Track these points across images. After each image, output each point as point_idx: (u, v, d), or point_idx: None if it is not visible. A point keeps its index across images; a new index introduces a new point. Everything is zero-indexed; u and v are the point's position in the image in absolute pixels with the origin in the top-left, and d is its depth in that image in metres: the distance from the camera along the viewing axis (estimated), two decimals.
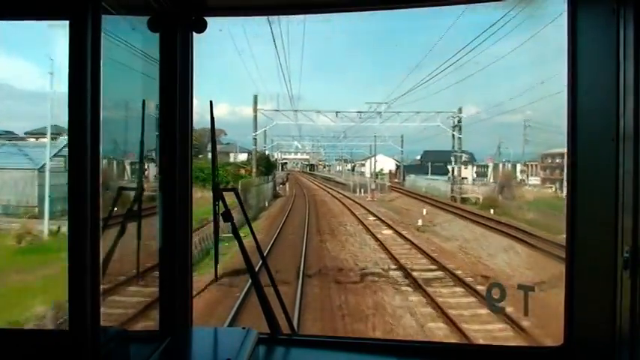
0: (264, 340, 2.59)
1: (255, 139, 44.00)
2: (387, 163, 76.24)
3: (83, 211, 1.66)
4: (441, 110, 42.78)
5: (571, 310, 2.28)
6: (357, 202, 40.54)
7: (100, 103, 1.70)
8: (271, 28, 26.58)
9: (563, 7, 2.24)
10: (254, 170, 42.11)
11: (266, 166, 52.96)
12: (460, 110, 43.18)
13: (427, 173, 62.06)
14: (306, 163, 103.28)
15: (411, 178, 61.82)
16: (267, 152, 60.63)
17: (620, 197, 1.99)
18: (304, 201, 43.47)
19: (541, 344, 8.41)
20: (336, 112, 43.89)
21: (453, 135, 44.15)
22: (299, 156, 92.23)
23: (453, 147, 44.78)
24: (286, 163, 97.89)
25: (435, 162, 64.13)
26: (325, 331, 11.10)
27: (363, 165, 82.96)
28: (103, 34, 1.73)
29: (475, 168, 63.71)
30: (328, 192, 55.05)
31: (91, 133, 1.67)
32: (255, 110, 43.32)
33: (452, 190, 43.22)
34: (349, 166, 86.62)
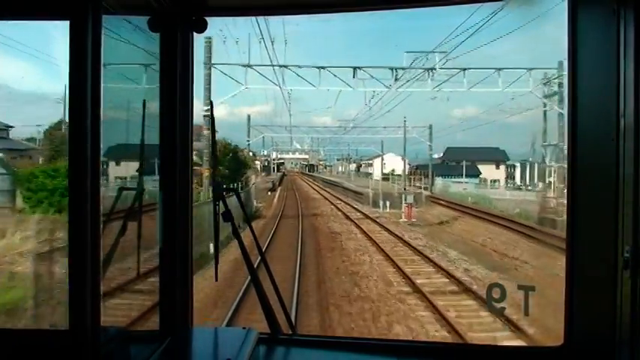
0: (264, 340, 2.60)
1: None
2: (398, 163, 62.55)
3: (83, 211, 1.66)
4: (532, 67, 26.51)
5: (571, 310, 2.28)
6: (394, 234, 22.52)
7: (101, 103, 1.70)
8: (259, 27, 22.86)
9: (564, 8, 2.24)
10: (205, 173, 23.83)
11: (233, 166, 34.57)
12: (561, 65, 23.64)
13: (449, 175, 49.41)
14: (305, 163, 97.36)
15: (439, 183, 46.17)
16: (248, 147, 47.75)
17: (620, 197, 1.99)
18: (294, 239, 21.75)
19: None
20: (354, 69, 27.55)
21: (545, 110, 26.97)
22: (297, 155, 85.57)
23: (545, 131, 27.31)
24: (283, 163, 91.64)
25: (461, 161, 53.96)
26: None
27: (370, 165, 72.80)
28: (103, 34, 1.73)
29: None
30: (335, 206, 36.51)
31: (91, 133, 1.67)
32: (209, 65, 25.38)
33: (543, 206, 24.78)
34: (352, 167, 76.87)
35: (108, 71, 1.79)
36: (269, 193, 47.99)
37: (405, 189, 40.10)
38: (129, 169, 2.91)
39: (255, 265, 2.73)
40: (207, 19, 2.57)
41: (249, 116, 46.49)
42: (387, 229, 24.85)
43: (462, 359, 2.69)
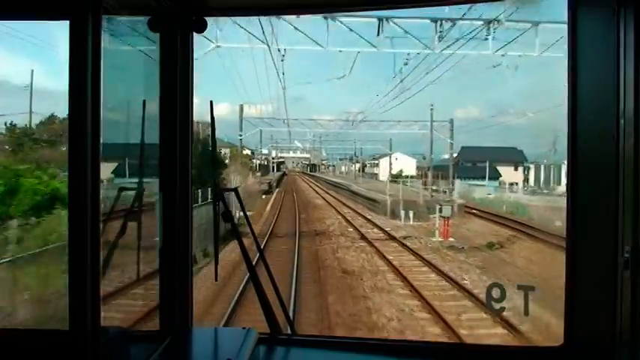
0: (264, 340, 2.60)
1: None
2: (407, 163, 58.99)
3: (83, 211, 1.66)
4: None
5: (571, 310, 2.28)
6: (443, 274, 15.29)
7: (100, 103, 1.70)
8: (262, 27, 18.50)
9: (564, 8, 2.25)
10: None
11: (200, 164, 10.61)
12: None
13: (465, 177, 42.29)
14: (307, 162, 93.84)
15: (459, 187, 38.25)
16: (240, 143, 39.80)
17: (620, 197, 1.99)
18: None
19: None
20: (379, 21, 18.59)
21: None
22: (298, 154, 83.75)
23: None
24: (283, 162, 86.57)
25: (478, 162, 49.87)
26: None
27: (377, 165, 67.79)
28: (103, 34, 1.73)
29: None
30: (344, 217, 29.06)
31: (91, 133, 1.67)
32: None
33: None
34: (356, 167, 71.62)
35: (108, 71, 1.79)
36: (263, 196, 39.75)
37: (432, 195, 31.33)
38: (129, 168, 2.91)
39: (254, 264, 2.73)
40: (207, 19, 2.57)
41: (241, 106, 39.01)
42: (425, 261, 16.93)
43: (462, 359, 2.69)
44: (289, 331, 2.84)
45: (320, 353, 2.71)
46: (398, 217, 27.97)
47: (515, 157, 51.26)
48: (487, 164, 46.92)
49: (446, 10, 18.58)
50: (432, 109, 37.52)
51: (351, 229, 24.82)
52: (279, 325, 2.70)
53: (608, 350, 2.03)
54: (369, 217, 29.02)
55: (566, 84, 2.26)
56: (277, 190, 49.71)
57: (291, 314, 12.59)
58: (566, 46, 2.25)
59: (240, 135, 39.61)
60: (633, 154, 1.92)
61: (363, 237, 22.12)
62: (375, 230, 24.38)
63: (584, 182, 2.23)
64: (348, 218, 28.85)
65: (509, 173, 49.38)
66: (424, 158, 46.01)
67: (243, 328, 2.56)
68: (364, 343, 2.90)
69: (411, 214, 27.54)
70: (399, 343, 3.33)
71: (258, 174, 57.36)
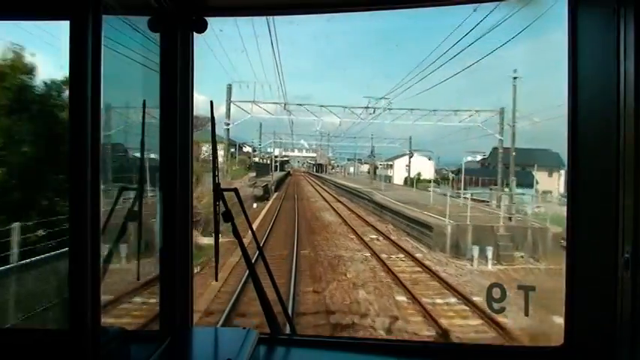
0: (264, 340, 2.60)
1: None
2: (423, 165, 54.77)
3: (83, 211, 1.66)
4: None
5: (571, 310, 2.28)
6: None
7: (101, 103, 1.70)
8: (269, 27, 19.53)
9: (564, 7, 2.25)
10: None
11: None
12: None
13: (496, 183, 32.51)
14: (313, 162, 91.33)
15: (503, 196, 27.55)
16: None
17: (620, 197, 1.99)
18: None
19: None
20: None
21: None
22: (304, 153, 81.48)
23: None
24: (288, 161, 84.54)
25: (509, 165, 41.77)
26: None
27: (391, 167, 62.36)
28: (103, 33, 1.73)
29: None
30: (374, 254, 17.94)
31: (91, 133, 1.67)
32: None
33: None
34: (364, 168, 67.78)
35: (108, 71, 1.79)
36: (255, 205, 31.16)
37: (510, 218, 20.37)
38: (129, 168, 2.90)
39: (254, 264, 2.73)
40: (207, 19, 2.57)
41: (229, 87, 29.04)
42: None
43: (461, 359, 2.69)
44: (289, 331, 2.84)
45: (320, 353, 2.71)
46: (465, 255, 18.03)
47: (549, 161, 44.57)
48: (535, 168, 37.66)
49: None
50: (514, 77, 26.13)
51: (404, 299, 13.36)
52: (279, 325, 2.70)
53: (608, 350, 2.03)
54: (418, 254, 18.33)
55: (566, 84, 2.26)
56: (276, 194, 41.47)
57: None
58: (566, 46, 2.25)
59: (228, 124, 29.17)
60: (634, 153, 1.92)
61: (443, 330, 11.35)
62: (450, 300, 13.39)
63: (585, 182, 2.23)
64: (383, 257, 17.64)
65: (542, 179, 43.00)
66: (485, 157, 37.91)
67: (243, 328, 2.56)
68: (364, 343, 2.90)
69: (489, 252, 17.20)
70: (398, 343, 3.33)
71: (253, 174, 46.91)
